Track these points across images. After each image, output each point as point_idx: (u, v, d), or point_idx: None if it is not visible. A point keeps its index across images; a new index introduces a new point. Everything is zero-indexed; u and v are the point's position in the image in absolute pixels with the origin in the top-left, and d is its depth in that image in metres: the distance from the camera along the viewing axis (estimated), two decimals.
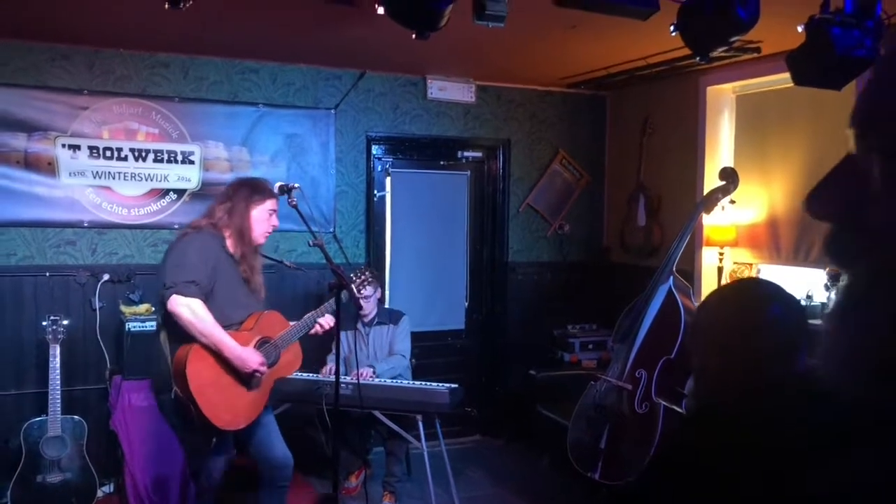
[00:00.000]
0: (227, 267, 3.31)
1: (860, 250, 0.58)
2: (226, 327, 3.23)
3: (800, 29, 2.97)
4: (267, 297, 3.59)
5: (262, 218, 3.40)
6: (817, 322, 2.21)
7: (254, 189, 3.43)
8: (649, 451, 3.90)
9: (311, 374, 4.41)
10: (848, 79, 2.85)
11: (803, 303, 4.07)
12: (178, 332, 3.18)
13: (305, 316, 3.55)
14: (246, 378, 3.26)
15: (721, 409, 1.39)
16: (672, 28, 2.90)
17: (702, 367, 1.48)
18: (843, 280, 0.61)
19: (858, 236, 0.58)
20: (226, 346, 3.16)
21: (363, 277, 3.90)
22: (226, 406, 3.21)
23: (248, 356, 3.22)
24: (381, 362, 4.57)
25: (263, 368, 3.27)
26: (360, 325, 4.66)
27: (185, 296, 3.11)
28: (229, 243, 3.35)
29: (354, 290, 3.64)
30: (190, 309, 3.11)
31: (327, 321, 3.57)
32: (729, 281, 4.97)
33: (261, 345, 3.33)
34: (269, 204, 3.42)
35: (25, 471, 4.04)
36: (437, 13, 2.59)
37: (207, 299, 3.19)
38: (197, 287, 3.14)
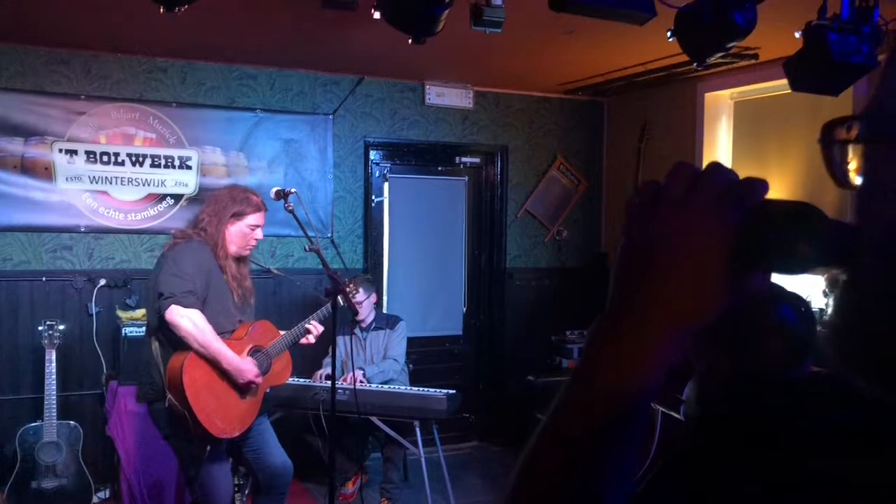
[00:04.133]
0: (218, 276, 3.27)
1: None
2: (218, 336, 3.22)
3: (797, 35, 2.97)
4: (262, 305, 3.56)
5: (240, 233, 3.30)
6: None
7: (234, 201, 3.30)
8: (646, 458, 3.89)
9: (307, 380, 4.40)
10: (845, 84, 2.85)
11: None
12: (171, 341, 3.15)
13: (297, 325, 3.53)
14: (241, 387, 3.25)
15: (730, 412, 1.33)
16: (669, 33, 2.90)
17: (709, 369, 1.40)
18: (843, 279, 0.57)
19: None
20: (224, 356, 3.15)
21: (352, 286, 3.76)
22: (220, 414, 3.20)
23: (246, 367, 3.22)
24: (371, 366, 4.55)
25: (259, 380, 3.26)
26: (357, 330, 4.65)
27: (185, 307, 3.08)
28: (216, 252, 3.29)
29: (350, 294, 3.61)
30: (190, 320, 3.08)
31: (316, 327, 3.52)
32: None
33: (253, 353, 3.33)
34: (251, 219, 3.30)
35: (20, 477, 4.02)
36: (434, 18, 2.59)
37: (201, 309, 3.18)
38: (195, 297, 3.12)
